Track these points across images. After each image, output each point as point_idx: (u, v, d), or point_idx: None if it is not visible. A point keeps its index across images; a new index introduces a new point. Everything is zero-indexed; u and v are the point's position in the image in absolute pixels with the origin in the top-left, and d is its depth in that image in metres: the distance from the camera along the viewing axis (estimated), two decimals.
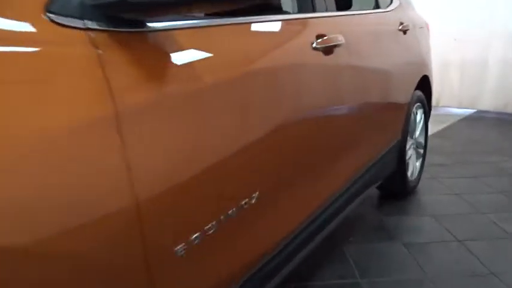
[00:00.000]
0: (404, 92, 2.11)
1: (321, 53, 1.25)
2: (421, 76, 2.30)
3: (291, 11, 1.38)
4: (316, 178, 1.30)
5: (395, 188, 2.32)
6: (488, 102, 4.63)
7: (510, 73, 4.45)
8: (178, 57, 0.79)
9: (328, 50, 1.28)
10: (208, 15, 0.93)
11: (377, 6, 2.09)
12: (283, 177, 1.13)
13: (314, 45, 1.22)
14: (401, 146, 2.16)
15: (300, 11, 1.38)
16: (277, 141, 1.06)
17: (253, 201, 0.97)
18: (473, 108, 4.74)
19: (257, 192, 0.98)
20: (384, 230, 2.04)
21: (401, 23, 2.08)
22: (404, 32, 2.09)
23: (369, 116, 1.71)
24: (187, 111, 0.77)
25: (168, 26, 0.80)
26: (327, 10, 1.47)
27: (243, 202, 0.93)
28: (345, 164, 1.52)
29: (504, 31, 4.40)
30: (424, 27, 2.52)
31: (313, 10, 1.39)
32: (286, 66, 1.10)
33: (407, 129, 2.21)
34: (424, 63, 2.35)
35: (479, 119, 4.47)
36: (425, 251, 1.85)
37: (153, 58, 0.74)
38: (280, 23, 1.17)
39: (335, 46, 1.32)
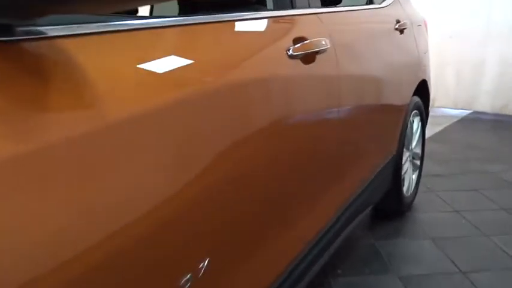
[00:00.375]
0: (401, 102, 1.85)
1: (299, 62, 0.98)
2: (419, 81, 2.04)
3: (261, 7, 1.11)
4: (294, 220, 1.04)
5: (389, 206, 2.06)
6: (485, 103, 4.40)
7: (508, 72, 4.22)
8: (73, 81, 0.51)
9: (308, 58, 1.01)
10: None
11: (370, 1, 1.82)
12: (247, 229, 0.86)
13: (290, 52, 0.95)
14: (397, 161, 1.91)
15: (273, 7, 1.11)
16: (238, 179, 0.79)
17: (201, 273, 0.70)
18: (469, 109, 4.51)
19: (207, 260, 0.71)
20: (377, 259, 1.79)
21: (398, 21, 1.81)
22: (401, 31, 1.83)
23: (360, 134, 1.45)
24: (80, 161, 0.49)
25: (58, 31, 0.53)
26: (309, 6, 1.20)
27: (183, 280, 0.66)
28: (332, 197, 1.25)
29: (502, 28, 4.17)
30: (422, 25, 2.26)
31: (292, 6, 1.11)
32: (250, 83, 0.82)
33: (403, 142, 1.95)
34: (422, 66, 2.09)
35: (475, 120, 4.24)
36: (424, 286, 1.60)
37: (24, 84, 0.47)
38: (243, 23, 0.89)
39: (318, 52, 1.04)
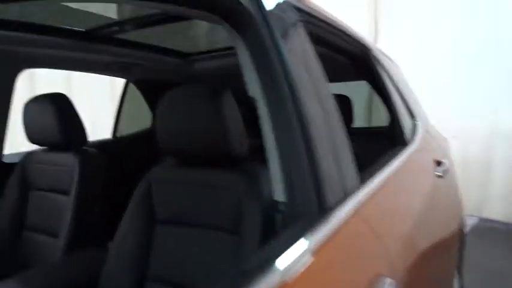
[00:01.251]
0: (451, 271, 1.32)
1: None
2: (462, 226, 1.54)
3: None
4: None
5: None
6: (496, 210, 3.94)
7: None
8: None
9: None
10: None
11: (397, 131, 1.31)
12: None
13: None
14: None
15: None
16: None
17: None
18: (478, 216, 4.02)
19: None
20: None
21: (437, 162, 1.33)
22: (442, 176, 1.34)
23: None
24: None
25: None
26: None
27: None
28: None
29: (508, 127, 3.83)
30: (448, 148, 1.83)
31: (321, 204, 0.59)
32: None
33: None
34: (462, 211, 1.60)
35: (488, 232, 3.73)
36: None
37: None
38: None
39: None
